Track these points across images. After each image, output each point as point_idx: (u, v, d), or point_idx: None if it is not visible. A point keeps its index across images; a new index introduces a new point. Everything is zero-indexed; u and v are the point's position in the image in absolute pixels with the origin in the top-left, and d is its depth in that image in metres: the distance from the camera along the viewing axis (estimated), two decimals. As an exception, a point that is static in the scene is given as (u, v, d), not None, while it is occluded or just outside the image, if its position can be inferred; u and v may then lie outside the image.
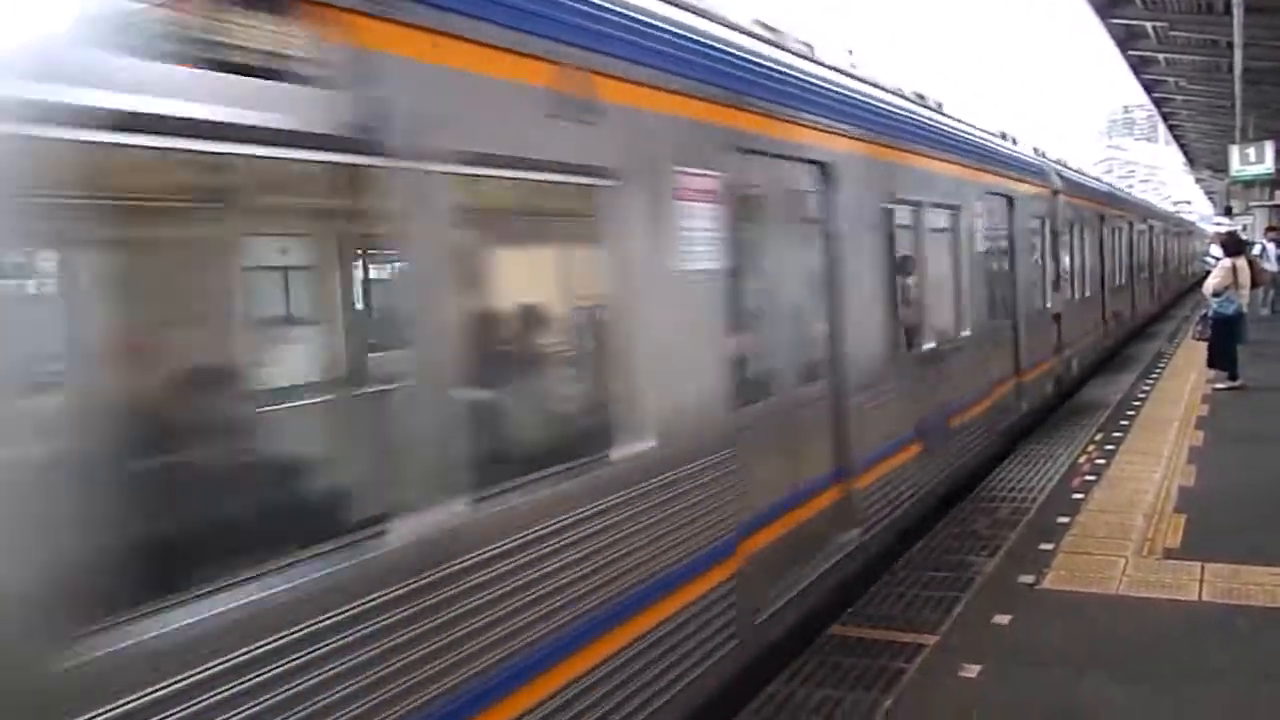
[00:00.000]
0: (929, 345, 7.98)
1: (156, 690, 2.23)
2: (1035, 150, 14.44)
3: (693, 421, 4.49)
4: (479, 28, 3.25)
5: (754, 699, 4.91)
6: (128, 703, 2.18)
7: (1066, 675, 5.04)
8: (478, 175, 3.42)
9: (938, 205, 8.18)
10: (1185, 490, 8.37)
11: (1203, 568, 6.38)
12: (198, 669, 2.31)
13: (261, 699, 2.45)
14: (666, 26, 4.54)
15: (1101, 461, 9.61)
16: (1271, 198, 29.70)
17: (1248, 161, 24.78)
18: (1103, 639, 5.46)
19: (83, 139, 2.19)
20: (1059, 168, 14.73)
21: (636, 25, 4.24)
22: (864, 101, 6.99)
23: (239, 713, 2.39)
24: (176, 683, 2.27)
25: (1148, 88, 27.78)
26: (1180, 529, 7.28)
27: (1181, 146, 45.05)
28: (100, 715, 2.13)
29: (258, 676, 2.44)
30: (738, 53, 5.18)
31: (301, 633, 2.57)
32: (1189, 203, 75.81)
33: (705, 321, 4.66)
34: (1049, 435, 11.15)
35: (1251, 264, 14.70)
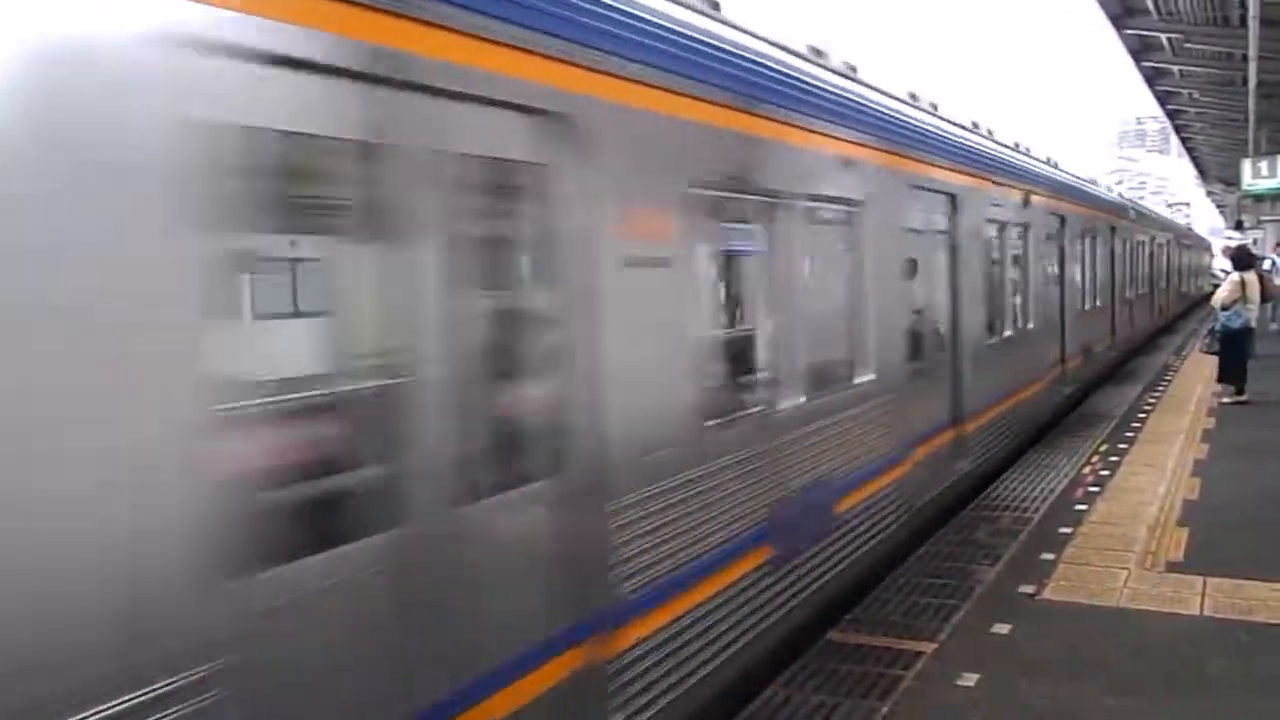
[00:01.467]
0: None
1: None
2: None
3: None
4: None
5: (751, 702, 4.89)
6: None
7: (1064, 686, 5.01)
8: None
9: None
10: (1189, 503, 8.33)
11: (1204, 581, 6.35)
12: None
13: None
14: None
15: (1105, 473, 9.57)
16: (1283, 212, 29.56)
17: (1259, 175, 24.68)
18: (1102, 650, 5.43)
19: None
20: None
21: None
22: None
23: None
24: None
25: (1161, 99, 27.70)
26: (1183, 542, 7.24)
27: (1193, 159, 44.90)
28: None
29: None
30: None
31: None
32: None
33: None
34: (1052, 446, 11.11)
35: (1262, 279, 14.64)
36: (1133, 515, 8.01)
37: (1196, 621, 5.81)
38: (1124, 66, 27.95)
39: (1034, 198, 11.47)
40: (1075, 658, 5.33)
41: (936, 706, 4.85)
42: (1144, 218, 24.11)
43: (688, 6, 4.84)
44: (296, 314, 4.34)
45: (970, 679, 5.09)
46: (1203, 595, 6.14)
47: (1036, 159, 13.33)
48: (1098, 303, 15.94)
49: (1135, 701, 4.84)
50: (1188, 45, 20.39)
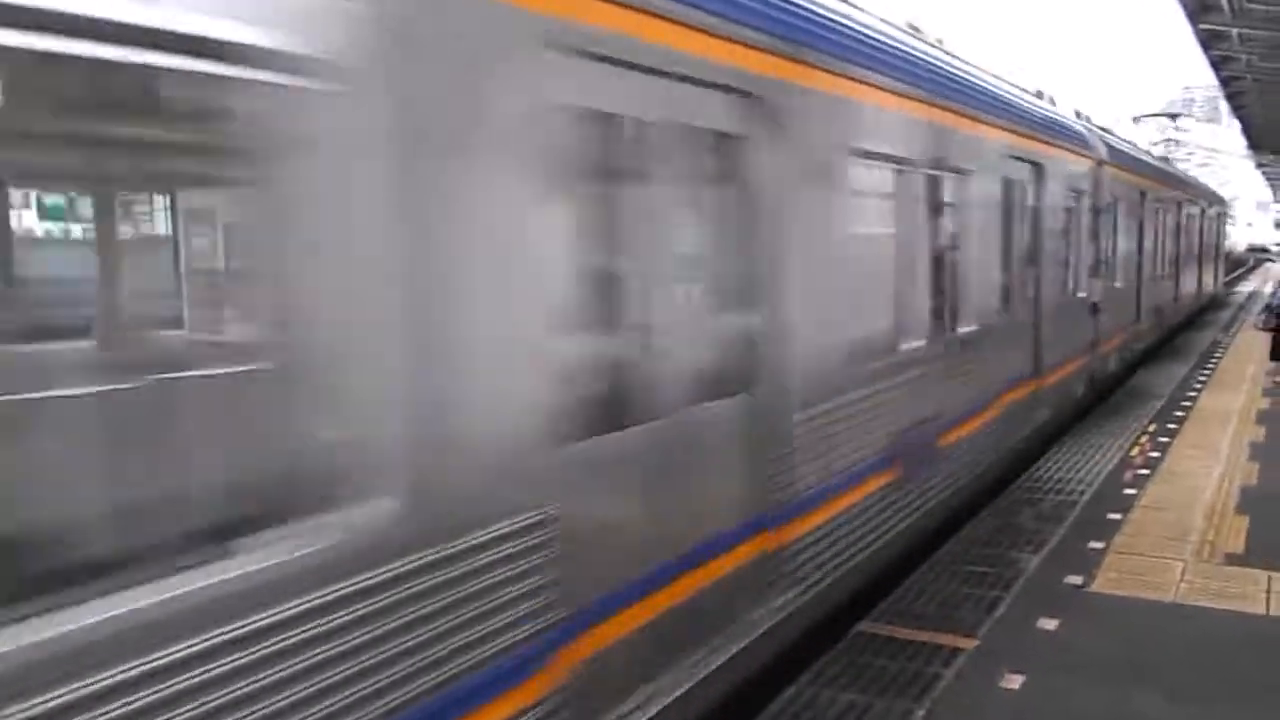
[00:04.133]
0: None
1: None
2: None
3: None
4: None
5: (772, 701, 4.53)
6: None
7: (1118, 691, 4.60)
8: None
9: None
10: (1248, 490, 7.84)
11: (1269, 577, 5.89)
12: None
13: None
14: None
15: (1155, 454, 9.07)
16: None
17: (1318, 145, 23.70)
18: (1158, 651, 5.01)
19: None
20: None
21: None
22: None
23: None
24: None
25: (1215, 64, 26.62)
26: (1243, 532, 6.77)
27: (1245, 128, 43.40)
28: None
29: None
30: None
31: None
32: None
33: None
34: (1097, 425, 10.59)
35: None
36: (1186, 501, 7.54)
37: (1263, 622, 5.36)
38: (1173, 35, 26.99)
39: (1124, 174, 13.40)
40: (1129, 659, 4.91)
41: (978, 710, 4.45)
42: (1196, 188, 24.11)
43: None
44: None
45: (1015, 680, 4.69)
46: (1268, 592, 5.69)
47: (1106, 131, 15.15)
48: (1164, 270, 17.62)
49: (1196, 709, 4.43)
50: (1249, 6, 19.44)
